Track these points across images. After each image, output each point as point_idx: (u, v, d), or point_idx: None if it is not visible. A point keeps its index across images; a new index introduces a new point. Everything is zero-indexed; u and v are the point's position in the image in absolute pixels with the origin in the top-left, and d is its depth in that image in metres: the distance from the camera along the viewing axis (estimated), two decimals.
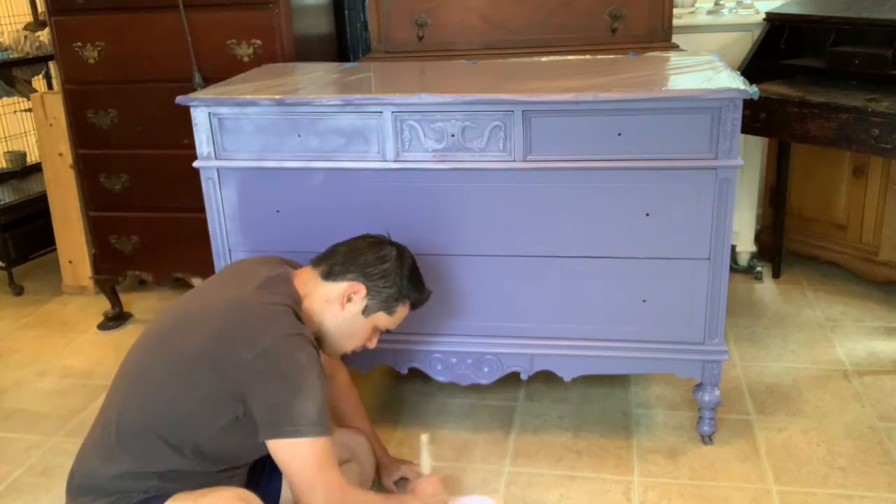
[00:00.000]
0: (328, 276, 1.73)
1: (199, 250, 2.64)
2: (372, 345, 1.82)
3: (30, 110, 3.40)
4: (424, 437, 1.95)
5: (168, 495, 1.55)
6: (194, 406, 1.55)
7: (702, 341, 2.10)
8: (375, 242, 1.78)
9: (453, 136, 2.02)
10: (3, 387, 2.71)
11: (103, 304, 3.17)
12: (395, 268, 1.75)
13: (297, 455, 1.53)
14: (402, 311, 1.80)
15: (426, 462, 1.95)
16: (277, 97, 2.04)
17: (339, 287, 1.72)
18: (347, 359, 2.26)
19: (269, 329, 1.54)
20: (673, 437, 2.26)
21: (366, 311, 1.74)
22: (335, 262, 1.74)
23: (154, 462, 1.56)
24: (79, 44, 2.78)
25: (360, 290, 1.72)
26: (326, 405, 1.56)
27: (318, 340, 1.74)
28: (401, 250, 1.80)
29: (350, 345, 1.78)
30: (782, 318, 2.93)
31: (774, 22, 2.93)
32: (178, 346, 1.58)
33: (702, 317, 2.07)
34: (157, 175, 2.84)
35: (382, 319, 1.77)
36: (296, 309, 1.64)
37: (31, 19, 3.80)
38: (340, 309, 1.72)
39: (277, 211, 2.16)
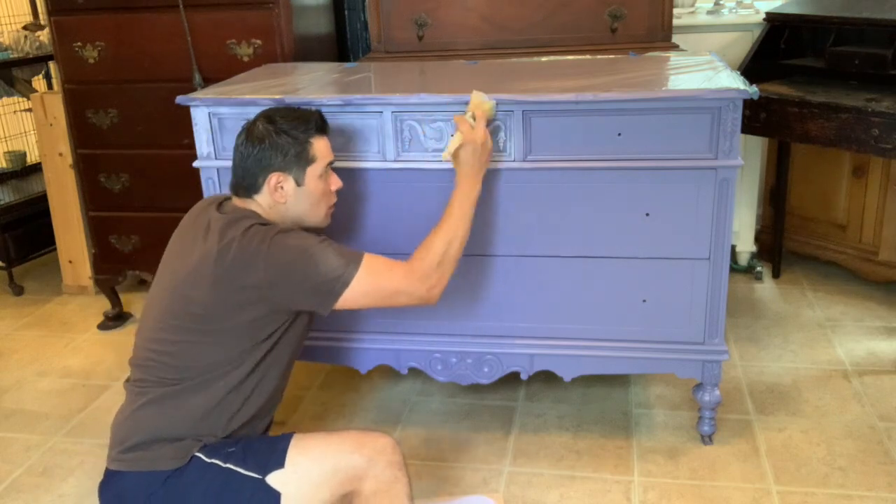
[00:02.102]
0: (248, 193, 1.75)
1: None
2: (337, 183, 1.83)
3: (30, 110, 3.40)
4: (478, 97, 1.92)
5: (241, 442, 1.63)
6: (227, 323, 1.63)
7: (702, 341, 2.10)
8: (248, 137, 1.76)
9: (453, 136, 2.01)
10: (3, 387, 2.71)
11: (103, 304, 3.17)
12: (275, 136, 1.73)
13: (361, 293, 1.64)
14: (318, 145, 1.78)
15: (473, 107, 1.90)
16: (277, 97, 2.04)
17: (263, 193, 1.74)
18: (345, 358, 2.26)
19: (251, 240, 1.61)
20: (673, 437, 2.26)
21: (299, 181, 1.75)
22: (240, 180, 1.75)
23: (216, 383, 1.63)
24: (79, 44, 2.78)
25: (274, 178, 1.73)
26: (335, 245, 1.66)
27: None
28: (267, 117, 1.77)
29: (322, 204, 1.81)
30: (782, 318, 2.93)
31: (774, 22, 2.93)
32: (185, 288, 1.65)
33: (702, 317, 2.07)
34: (157, 175, 2.84)
35: (315, 169, 1.77)
36: (260, 219, 1.70)
37: (31, 19, 3.80)
38: (283, 199, 1.74)
39: None
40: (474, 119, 1.88)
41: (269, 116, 1.77)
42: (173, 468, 1.58)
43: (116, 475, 1.62)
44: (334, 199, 1.85)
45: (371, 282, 1.65)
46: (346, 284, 1.62)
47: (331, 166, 1.82)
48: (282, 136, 1.73)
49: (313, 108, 1.84)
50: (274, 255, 1.60)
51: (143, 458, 1.60)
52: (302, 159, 1.75)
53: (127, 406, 1.68)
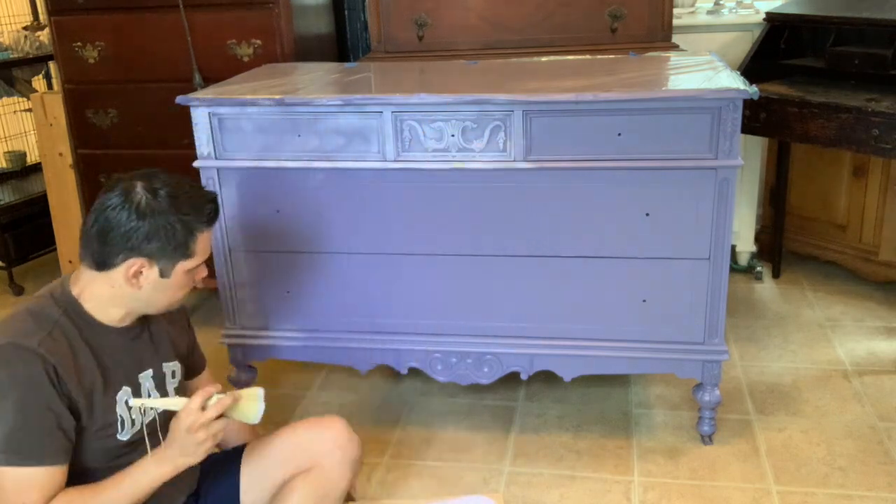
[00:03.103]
0: (100, 266, 1.46)
1: None
2: (200, 276, 1.56)
3: (30, 110, 3.40)
4: (136, 402, 1.52)
5: None
6: None
7: (702, 341, 2.10)
8: (114, 205, 1.44)
9: (453, 136, 2.02)
10: None
11: None
12: (154, 218, 1.43)
13: None
14: (201, 240, 1.50)
15: (166, 405, 1.53)
16: (277, 97, 2.04)
17: (116, 274, 1.45)
18: (345, 358, 2.27)
19: None
20: (673, 437, 2.26)
21: (164, 273, 1.47)
22: (93, 250, 1.45)
23: None
24: (79, 44, 2.78)
25: (139, 263, 1.44)
26: (25, 430, 1.34)
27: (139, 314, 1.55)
28: (148, 188, 1.45)
29: (175, 298, 1.54)
30: (782, 318, 2.93)
31: (774, 22, 2.93)
32: None
33: (702, 317, 2.07)
34: None
35: (187, 265, 1.50)
36: (44, 309, 1.44)
37: (31, 19, 3.80)
38: (136, 288, 1.47)
39: (277, 211, 2.16)
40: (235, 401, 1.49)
41: (155, 189, 1.45)
42: None
43: None
44: (186, 294, 1.56)
45: (2, 486, 1.35)
46: None
47: (201, 265, 1.55)
48: (166, 219, 1.44)
49: (209, 191, 1.56)
50: None
51: None
52: (178, 252, 1.47)
53: None
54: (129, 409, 1.51)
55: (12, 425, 1.34)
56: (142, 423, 1.54)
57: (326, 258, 2.18)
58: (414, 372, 2.26)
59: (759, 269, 3.25)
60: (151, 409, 1.54)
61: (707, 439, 2.22)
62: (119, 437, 1.49)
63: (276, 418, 2.42)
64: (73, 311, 1.47)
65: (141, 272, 1.46)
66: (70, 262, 3.38)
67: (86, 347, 1.45)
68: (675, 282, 2.05)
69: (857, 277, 3.14)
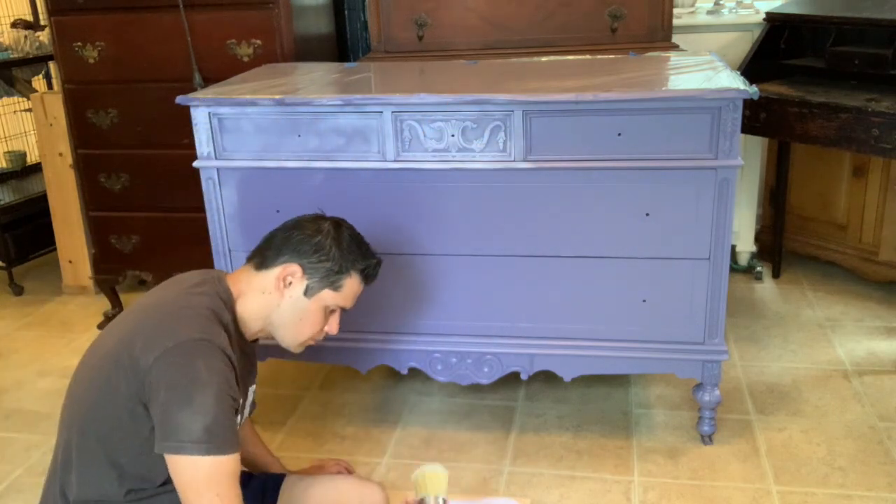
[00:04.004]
0: (261, 265, 1.59)
1: (199, 250, 2.63)
2: (333, 330, 1.65)
3: (30, 110, 3.41)
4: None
5: None
6: (118, 413, 1.43)
7: (702, 341, 2.10)
8: (307, 220, 1.64)
9: (453, 136, 2.02)
10: (3, 387, 2.71)
11: (103, 304, 3.17)
12: (329, 240, 1.59)
13: (179, 471, 1.37)
14: (351, 283, 1.62)
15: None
16: (277, 97, 2.04)
17: (272, 274, 1.57)
18: (345, 358, 2.26)
19: (172, 333, 1.40)
20: (673, 437, 2.26)
21: (308, 292, 1.57)
22: (267, 250, 1.60)
23: (92, 487, 1.47)
24: (79, 44, 2.78)
25: (294, 270, 1.56)
26: (223, 422, 1.39)
27: (269, 335, 1.63)
28: (337, 222, 1.64)
29: (305, 332, 1.62)
30: (782, 318, 2.93)
31: (774, 22, 2.93)
32: (98, 353, 1.49)
33: (702, 317, 2.07)
34: (157, 175, 2.84)
35: (330, 297, 1.60)
36: (220, 311, 1.50)
37: (31, 20, 3.80)
38: (280, 296, 1.56)
39: (277, 211, 2.16)
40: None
41: (339, 223, 1.64)
42: None
43: None
44: (319, 337, 1.65)
45: (190, 477, 1.37)
46: (175, 451, 1.36)
47: (340, 312, 1.65)
48: (337, 250, 1.59)
49: (380, 256, 1.71)
50: (174, 356, 1.39)
51: None
52: (329, 280, 1.59)
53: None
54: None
55: (213, 415, 1.37)
56: None
57: None
58: (414, 372, 2.26)
59: (759, 269, 3.25)
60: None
61: (707, 439, 2.22)
62: None
63: (276, 418, 2.42)
64: (234, 316, 1.55)
65: (292, 280, 1.56)
66: (70, 261, 3.38)
67: (236, 353, 1.50)
68: (675, 282, 2.05)
69: (857, 277, 3.14)
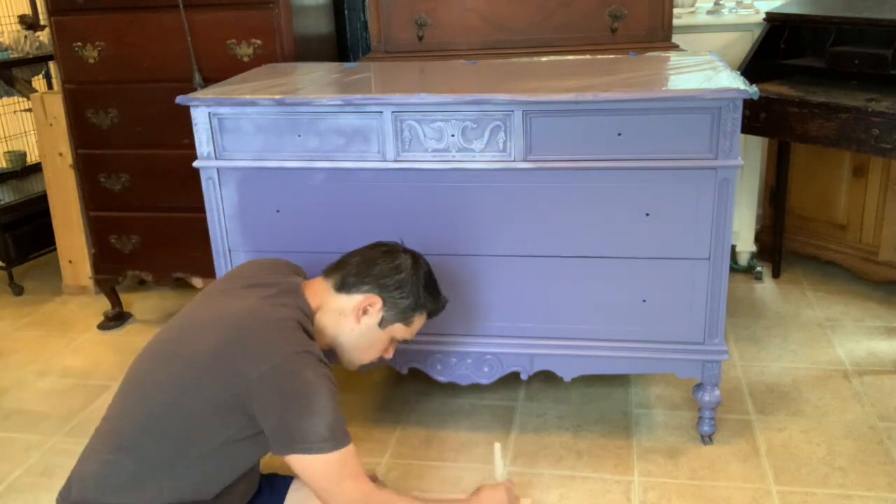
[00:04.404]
0: (342, 287, 1.70)
1: (199, 250, 2.64)
2: (388, 355, 1.80)
3: (30, 110, 3.40)
4: (498, 446, 1.89)
5: None
6: (199, 415, 1.53)
7: (702, 341, 2.10)
8: (389, 251, 1.75)
9: (453, 136, 2.02)
10: (3, 387, 2.71)
11: (103, 304, 3.17)
12: (410, 278, 1.72)
13: (311, 471, 1.53)
14: (419, 320, 1.77)
15: (499, 470, 1.89)
16: (277, 97, 2.04)
17: (353, 300, 1.69)
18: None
19: (275, 347, 1.51)
20: (673, 437, 2.26)
21: (382, 323, 1.71)
22: (348, 274, 1.70)
23: (150, 478, 1.54)
24: (79, 44, 2.77)
25: (375, 302, 1.69)
26: (339, 418, 1.53)
27: (332, 353, 1.73)
28: (415, 258, 1.76)
29: (367, 357, 1.76)
30: (782, 318, 2.93)
31: (774, 22, 2.93)
32: (184, 355, 1.56)
33: (702, 317, 2.07)
34: (157, 175, 2.84)
35: (399, 331, 1.75)
36: (305, 323, 1.61)
37: (33, 21, 3.80)
38: (356, 322, 1.69)
39: (277, 211, 2.16)
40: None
41: (417, 259, 1.76)
42: None
43: None
44: (375, 361, 1.81)
45: (326, 471, 1.54)
46: (306, 452, 1.51)
47: (399, 342, 1.81)
48: (416, 289, 1.72)
49: (446, 298, 1.84)
50: (284, 369, 1.50)
51: None
52: (404, 316, 1.73)
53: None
54: None
55: (332, 414, 1.51)
56: None
57: (326, 258, 2.16)
58: (414, 372, 2.26)
59: (759, 269, 3.25)
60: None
61: (707, 439, 2.22)
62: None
63: None
64: (312, 329, 1.64)
65: (370, 310, 1.69)
66: (70, 261, 3.38)
67: None
68: (675, 282, 2.05)
69: (857, 277, 3.14)
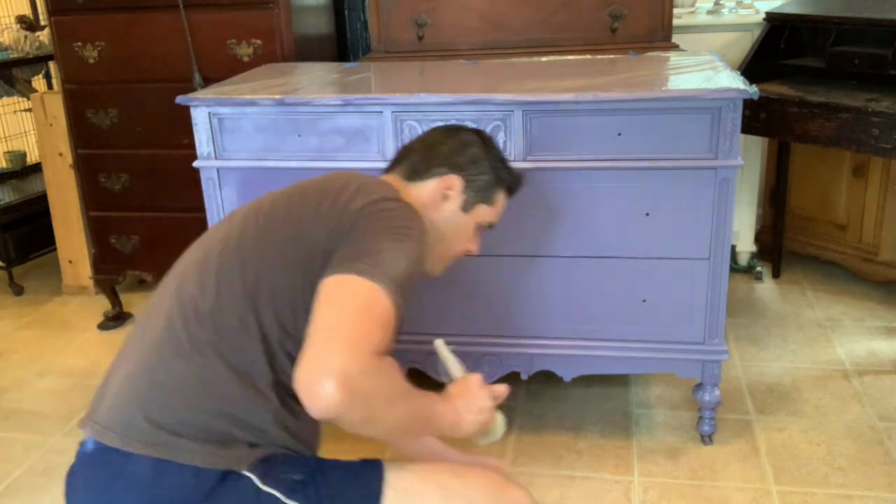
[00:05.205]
0: (412, 176, 1.47)
1: None
2: (475, 248, 1.55)
3: (30, 110, 3.40)
4: (439, 342, 1.48)
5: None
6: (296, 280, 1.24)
7: (702, 341, 2.10)
8: (450, 129, 1.54)
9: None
10: (3, 387, 2.71)
11: (103, 304, 3.17)
12: (482, 150, 1.50)
13: (345, 287, 1.14)
14: (501, 197, 1.55)
15: (453, 367, 1.47)
16: (277, 97, 2.04)
17: (429, 185, 1.45)
18: None
19: (389, 189, 1.32)
20: (673, 437, 2.26)
21: (466, 207, 1.48)
22: (414, 160, 1.48)
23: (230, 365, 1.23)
24: (79, 44, 2.77)
25: (454, 183, 1.46)
26: (409, 279, 1.22)
27: None
28: (478, 131, 1.55)
29: (453, 250, 1.52)
30: (782, 318, 2.93)
31: (774, 22, 2.94)
32: (280, 204, 1.33)
33: (702, 317, 2.07)
34: (157, 175, 2.84)
35: (484, 213, 1.51)
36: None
37: (31, 22, 3.80)
38: (436, 210, 1.45)
39: None
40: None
41: (487, 137, 1.54)
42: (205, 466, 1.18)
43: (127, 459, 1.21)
44: (462, 255, 1.55)
45: (353, 296, 1.13)
46: (363, 273, 1.15)
47: (485, 230, 1.57)
48: (491, 161, 1.50)
49: (522, 172, 1.63)
50: (392, 206, 1.27)
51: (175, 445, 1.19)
52: (487, 193, 1.50)
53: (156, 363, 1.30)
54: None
55: (410, 270, 1.22)
56: None
57: None
58: (414, 372, 2.26)
59: (759, 269, 3.25)
60: (444, 360, 1.44)
61: (707, 439, 2.22)
62: None
63: None
64: None
65: (451, 191, 1.46)
66: (70, 261, 3.38)
67: None
68: (675, 282, 2.05)
69: (857, 277, 3.14)
